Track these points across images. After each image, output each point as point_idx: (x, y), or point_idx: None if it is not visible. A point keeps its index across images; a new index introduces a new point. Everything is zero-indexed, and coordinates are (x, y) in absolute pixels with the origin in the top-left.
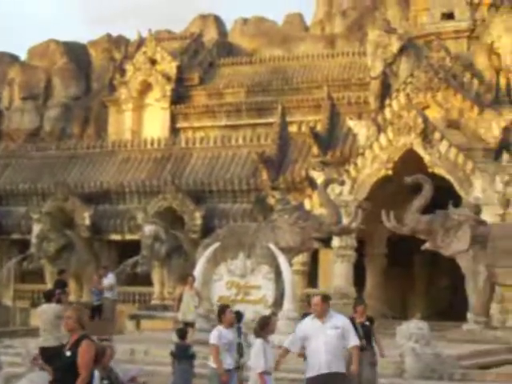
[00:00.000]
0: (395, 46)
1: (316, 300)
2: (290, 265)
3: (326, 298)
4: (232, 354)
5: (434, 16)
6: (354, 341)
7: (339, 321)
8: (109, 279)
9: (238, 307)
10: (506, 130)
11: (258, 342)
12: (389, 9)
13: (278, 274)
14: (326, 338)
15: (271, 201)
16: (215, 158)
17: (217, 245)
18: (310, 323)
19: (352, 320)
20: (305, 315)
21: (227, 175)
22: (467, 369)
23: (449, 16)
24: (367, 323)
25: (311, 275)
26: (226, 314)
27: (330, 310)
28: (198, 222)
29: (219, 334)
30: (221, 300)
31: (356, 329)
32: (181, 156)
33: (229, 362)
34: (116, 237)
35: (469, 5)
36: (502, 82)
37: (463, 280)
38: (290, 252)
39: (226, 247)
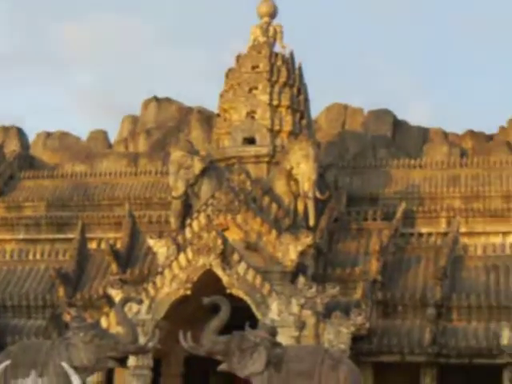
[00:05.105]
0: (197, 167)
1: None
2: None
3: None
4: None
5: (235, 140)
6: None
7: None
8: None
9: None
10: (302, 253)
11: None
12: (192, 130)
13: None
14: None
15: (67, 318)
16: (11, 272)
17: (7, 362)
18: None
19: None
20: None
21: (22, 290)
22: None
23: (250, 141)
24: None
25: None
26: None
27: None
28: None
29: None
30: None
31: None
32: None
33: None
34: None
35: (269, 131)
36: (300, 207)
37: None
38: (84, 371)
39: (18, 365)
